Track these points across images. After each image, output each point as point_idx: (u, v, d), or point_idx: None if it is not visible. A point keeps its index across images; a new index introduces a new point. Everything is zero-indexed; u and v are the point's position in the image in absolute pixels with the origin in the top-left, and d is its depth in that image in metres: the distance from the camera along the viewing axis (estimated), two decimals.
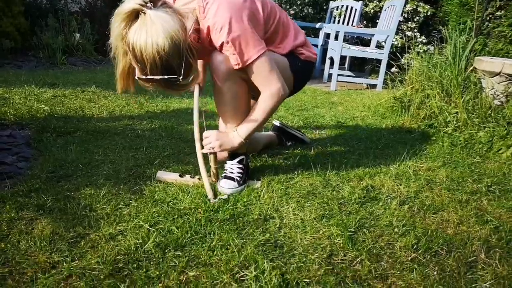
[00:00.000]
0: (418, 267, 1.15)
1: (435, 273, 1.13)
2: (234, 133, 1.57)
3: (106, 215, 1.34)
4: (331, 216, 1.41)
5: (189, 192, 1.53)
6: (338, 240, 1.26)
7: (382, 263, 1.17)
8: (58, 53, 4.43)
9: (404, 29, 4.61)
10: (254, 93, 1.60)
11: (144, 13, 1.25)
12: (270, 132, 2.16)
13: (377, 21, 4.82)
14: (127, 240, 1.20)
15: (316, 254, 1.18)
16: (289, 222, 1.37)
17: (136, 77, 1.37)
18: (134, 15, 1.26)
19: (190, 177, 1.63)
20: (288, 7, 5.54)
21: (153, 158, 1.88)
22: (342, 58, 4.38)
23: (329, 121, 2.79)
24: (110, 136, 2.15)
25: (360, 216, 1.41)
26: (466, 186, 1.73)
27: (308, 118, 2.81)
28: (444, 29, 3.18)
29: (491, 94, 2.59)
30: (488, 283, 1.10)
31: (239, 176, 1.60)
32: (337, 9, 5.26)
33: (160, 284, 1.03)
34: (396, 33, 4.40)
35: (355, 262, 1.17)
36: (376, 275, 1.11)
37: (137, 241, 1.19)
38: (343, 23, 5.13)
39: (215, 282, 1.05)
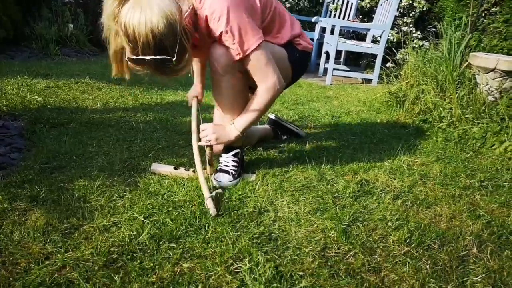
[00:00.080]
0: (411, 260, 1.16)
1: (428, 266, 1.14)
2: (231, 126, 1.56)
3: (100, 207, 1.33)
4: (325, 210, 1.42)
5: (184, 184, 1.53)
6: (332, 234, 1.27)
7: (375, 256, 1.18)
8: (51, 44, 4.37)
9: (400, 24, 4.61)
10: (251, 85, 1.59)
11: None
12: (266, 126, 2.16)
13: (373, 15, 4.81)
14: (121, 232, 1.19)
15: (310, 247, 1.19)
16: (283, 215, 1.37)
17: (125, 58, 1.32)
18: None
19: (185, 169, 1.62)
20: (284, 0, 5.52)
21: (147, 150, 1.87)
22: (338, 53, 4.39)
23: (324, 115, 2.79)
24: (104, 128, 2.13)
25: (354, 210, 1.42)
26: (459, 181, 1.74)
27: (303, 112, 2.82)
28: (440, 24, 3.19)
29: (485, 90, 2.60)
30: (479, 277, 1.11)
31: (234, 170, 1.60)
32: (333, 3, 5.25)
33: (154, 276, 1.03)
34: (392, 28, 4.41)
35: (348, 255, 1.18)
36: (369, 268, 1.12)
37: (132, 233, 1.19)
38: (339, 17, 5.13)
39: (209, 274, 1.05)
